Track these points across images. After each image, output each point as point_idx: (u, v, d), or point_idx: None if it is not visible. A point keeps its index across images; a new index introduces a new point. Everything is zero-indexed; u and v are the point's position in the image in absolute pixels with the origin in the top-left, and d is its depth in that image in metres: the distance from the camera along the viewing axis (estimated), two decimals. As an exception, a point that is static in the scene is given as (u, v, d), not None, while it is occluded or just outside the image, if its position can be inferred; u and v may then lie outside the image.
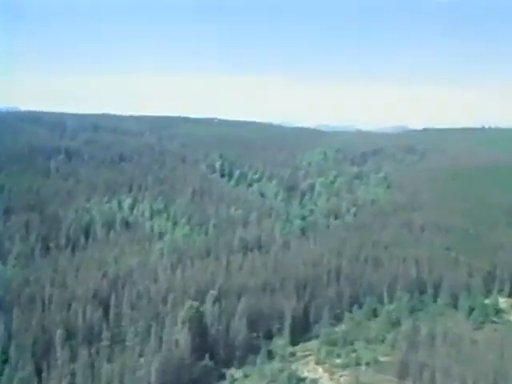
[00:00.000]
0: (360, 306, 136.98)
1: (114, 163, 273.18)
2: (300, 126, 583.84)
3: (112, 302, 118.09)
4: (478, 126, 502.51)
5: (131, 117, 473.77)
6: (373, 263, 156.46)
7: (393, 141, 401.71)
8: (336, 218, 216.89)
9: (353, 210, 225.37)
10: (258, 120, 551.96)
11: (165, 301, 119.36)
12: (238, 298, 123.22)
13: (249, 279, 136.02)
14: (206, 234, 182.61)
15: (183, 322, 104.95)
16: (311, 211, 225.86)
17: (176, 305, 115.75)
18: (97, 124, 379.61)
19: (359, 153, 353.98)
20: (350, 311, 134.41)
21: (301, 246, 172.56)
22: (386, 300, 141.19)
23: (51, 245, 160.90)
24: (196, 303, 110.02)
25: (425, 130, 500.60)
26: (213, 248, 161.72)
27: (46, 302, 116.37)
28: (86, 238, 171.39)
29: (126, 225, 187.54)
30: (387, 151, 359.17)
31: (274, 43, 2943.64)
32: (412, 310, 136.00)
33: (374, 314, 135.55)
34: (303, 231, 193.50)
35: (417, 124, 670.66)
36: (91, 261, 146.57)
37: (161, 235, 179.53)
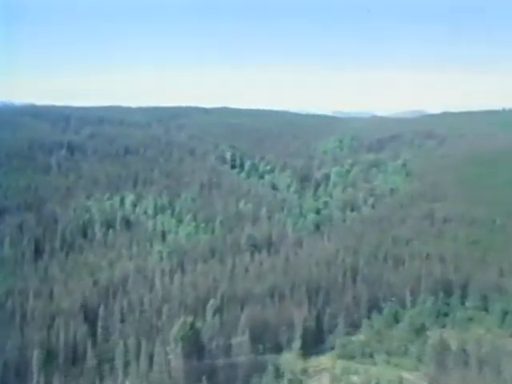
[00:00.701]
0: (379, 311, 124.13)
1: (119, 157, 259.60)
2: (315, 113, 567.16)
3: (101, 315, 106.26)
4: (499, 108, 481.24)
5: (139, 108, 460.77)
6: (393, 261, 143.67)
7: (410, 126, 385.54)
8: (352, 210, 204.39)
9: (370, 200, 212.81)
10: (272, 108, 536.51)
11: (159, 313, 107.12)
12: (242, 307, 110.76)
13: (255, 284, 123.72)
14: (213, 231, 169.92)
15: (175, 341, 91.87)
16: (326, 204, 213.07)
17: (171, 317, 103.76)
18: (102, 116, 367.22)
19: (376, 139, 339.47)
20: (369, 317, 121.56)
21: (314, 243, 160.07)
22: (408, 303, 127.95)
23: (44, 248, 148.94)
24: (190, 319, 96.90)
25: (443, 113, 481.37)
26: (218, 248, 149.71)
27: (28, 316, 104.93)
28: (84, 239, 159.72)
29: (127, 224, 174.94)
30: (405, 137, 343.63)
31: (287, 32, 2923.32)
32: (437, 315, 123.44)
33: (396, 319, 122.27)
34: (317, 226, 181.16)
35: (435, 108, 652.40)
36: (84, 266, 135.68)
37: (163, 234, 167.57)
